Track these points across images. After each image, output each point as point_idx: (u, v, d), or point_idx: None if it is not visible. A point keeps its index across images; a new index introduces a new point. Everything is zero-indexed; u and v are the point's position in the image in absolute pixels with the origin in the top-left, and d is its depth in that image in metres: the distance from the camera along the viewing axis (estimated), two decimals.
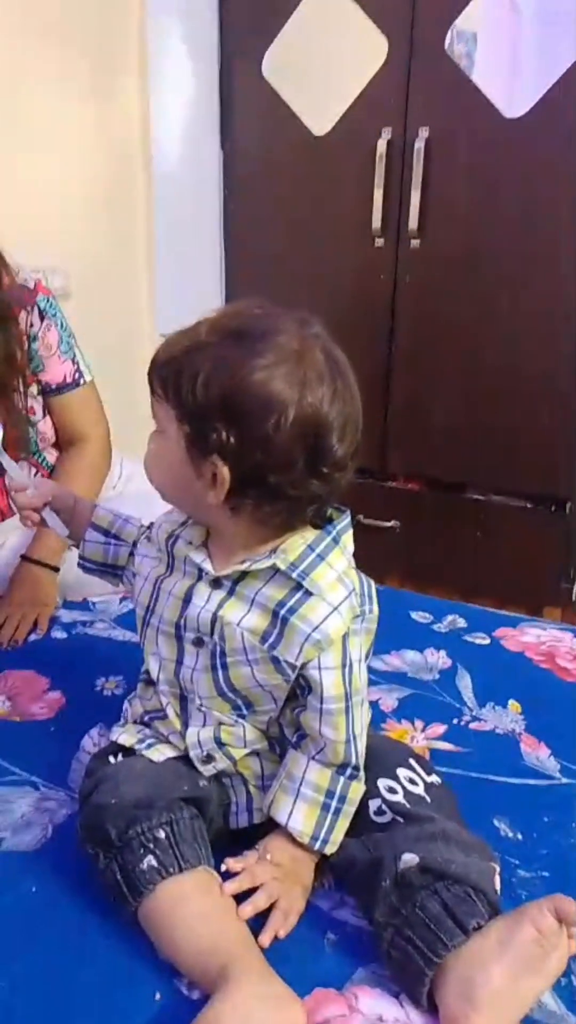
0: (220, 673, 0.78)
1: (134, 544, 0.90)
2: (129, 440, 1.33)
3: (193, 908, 0.71)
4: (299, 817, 0.77)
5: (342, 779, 0.78)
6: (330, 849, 0.77)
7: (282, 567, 0.73)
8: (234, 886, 0.74)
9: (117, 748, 0.84)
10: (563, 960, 0.68)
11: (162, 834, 0.73)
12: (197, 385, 0.69)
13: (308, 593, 0.73)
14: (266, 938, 0.72)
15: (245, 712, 0.80)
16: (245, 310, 0.73)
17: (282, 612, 0.74)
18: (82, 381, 1.34)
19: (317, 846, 0.77)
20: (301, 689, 0.78)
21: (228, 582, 0.77)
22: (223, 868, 0.76)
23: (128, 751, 0.83)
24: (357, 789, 0.79)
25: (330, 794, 0.78)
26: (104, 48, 2.06)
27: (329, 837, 0.77)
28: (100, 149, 2.12)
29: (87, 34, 1.99)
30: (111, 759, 0.83)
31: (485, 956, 0.66)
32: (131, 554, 0.90)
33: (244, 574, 0.76)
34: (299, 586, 0.74)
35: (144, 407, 0.77)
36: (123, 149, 2.19)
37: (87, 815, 0.78)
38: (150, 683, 0.85)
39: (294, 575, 0.73)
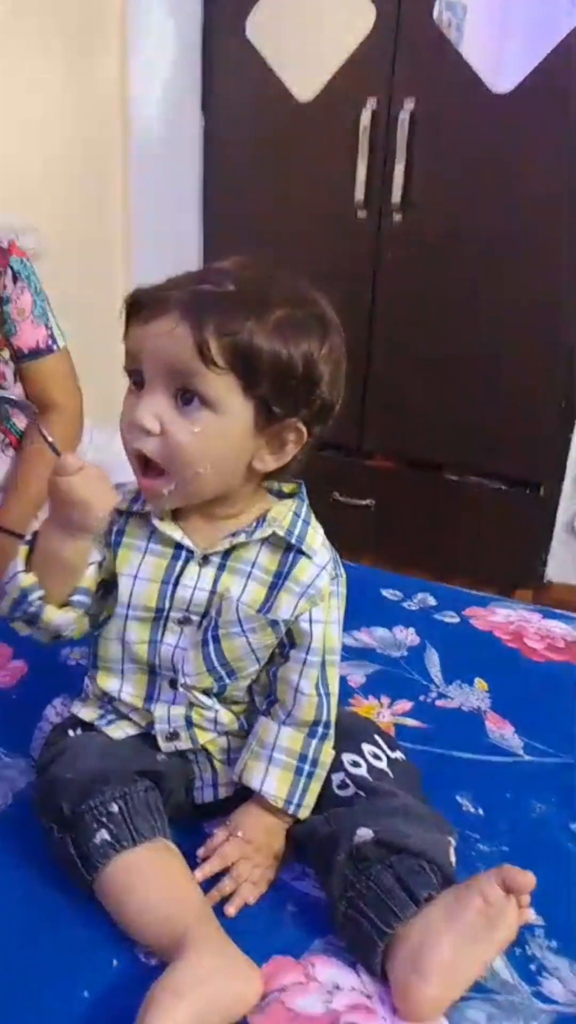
0: (212, 647, 0.77)
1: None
2: (101, 408, 1.31)
3: (147, 880, 0.71)
4: (273, 782, 0.78)
5: (314, 741, 0.79)
6: (303, 813, 0.78)
7: (281, 534, 0.76)
8: (205, 871, 0.75)
9: (77, 721, 0.83)
10: (512, 929, 0.69)
11: (115, 808, 0.73)
12: (280, 353, 0.68)
13: (299, 554, 0.76)
14: (233, 909, 0.74)
15: (227, 682, 0.79)
16: (261, 271, 0.72)
17: (279, 581, 0.76)
18: (55, 347, 1.31)
19: (292, 810, 0.78)
20: (283, 646, 0.79)
21: (217, 557, 0.76)
22: (199, 855, 0.77)
23: (88, 726, 0.82)
24: (328, 752, 0.80)
25: (303, 758, 0.78)
26: (83, 6, 2.00)
27: (303, 801, 0.78)
28: (77, 109, 2.06)
29: None
30: (70, 732, 0.82)
31: (433, 926, 0.66)
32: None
33: (232, 547, 0.75)
34: (288, 550, 0.76)
35: (117, 374, 0.74)
36: (101, 109, 2.14)
37: (41, 789, 0.78)
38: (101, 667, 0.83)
39: (293, 541, 0.76)
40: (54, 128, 2.00)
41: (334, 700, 0.81)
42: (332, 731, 0.80)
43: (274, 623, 0.77)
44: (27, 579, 0.73)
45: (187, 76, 2.14)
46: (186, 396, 0.69)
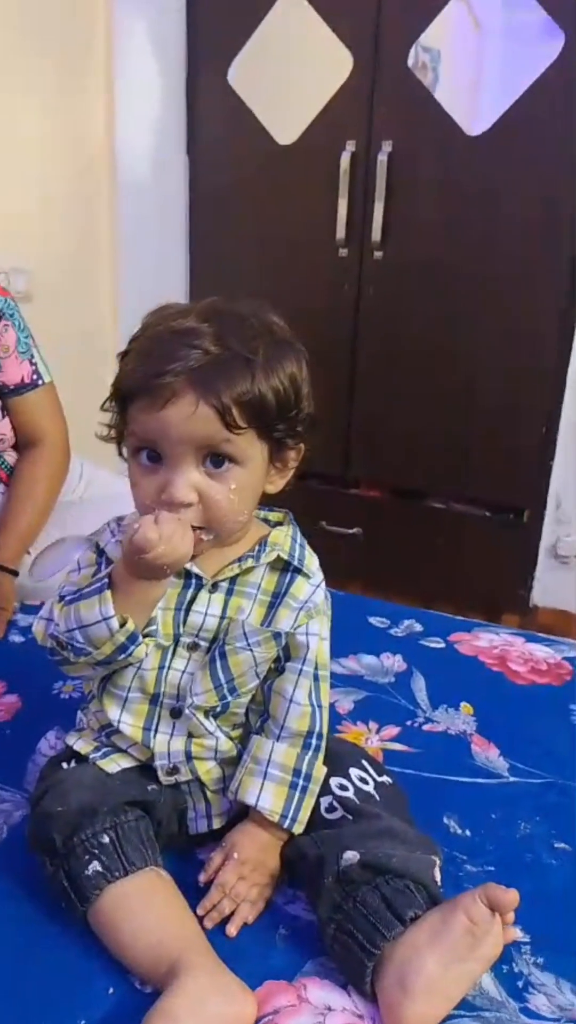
0: (219, 663, 0.80)
1: None
2: (90, 444, 1.34)
3: (140, 910, 0.72)
4: (268, 797, 0.79)
5: (308, 755, 0.81)
6: (298, 828, 0.80)
7: (284, 557, 0.80)
8: (206, 906, 0.77)
9: (72, 754, 0.85)
10: (498, 947, 0.71)
11: (106, 839, 0.74)
12: (279, 390, 0.72)
13: (295, 574, 0.81)
14: (233, 928, 0.75)
15: (230, 699, 0.82)
16: (221, 314, 0.73)
17: (278, 600, 0.80)
18: (40, 382, 1.34)
19: (287, 824, 0.79)
20: (278, 660, 0.82)
21: (225, 583, 0.80)
22: (200, 880, 0.79)
23: (82, 758, 0.84)
24: (320, 768, 0.82)
25: (296, 772, 0.81)
26: (70, 52, 2.07)
27: (297, 816, 0.80)
28: (65, 154, 2.12)
29: (53, 38, 1.99)
30: (63, 765, 0.84)
31: (419, 945, 0.68)
32: None
33: (239, 572, 0.79)
34: (285, 571, 0.81)
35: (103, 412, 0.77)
36: (88, 154, 2.20)
37: (34, 822, 0.79)
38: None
39: (295, 563, 0.81)
40: (43, 172, 2.05)
41: (326, 714, 0.83)
42: (324, 744, 0.83)
43: (277, 635, 0.80)
44: (130, 625, 0.74)
45: (172, 120, 2.21)
46: (216, 460, 0.72)
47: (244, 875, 0.78)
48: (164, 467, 0.72)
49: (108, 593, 0.73)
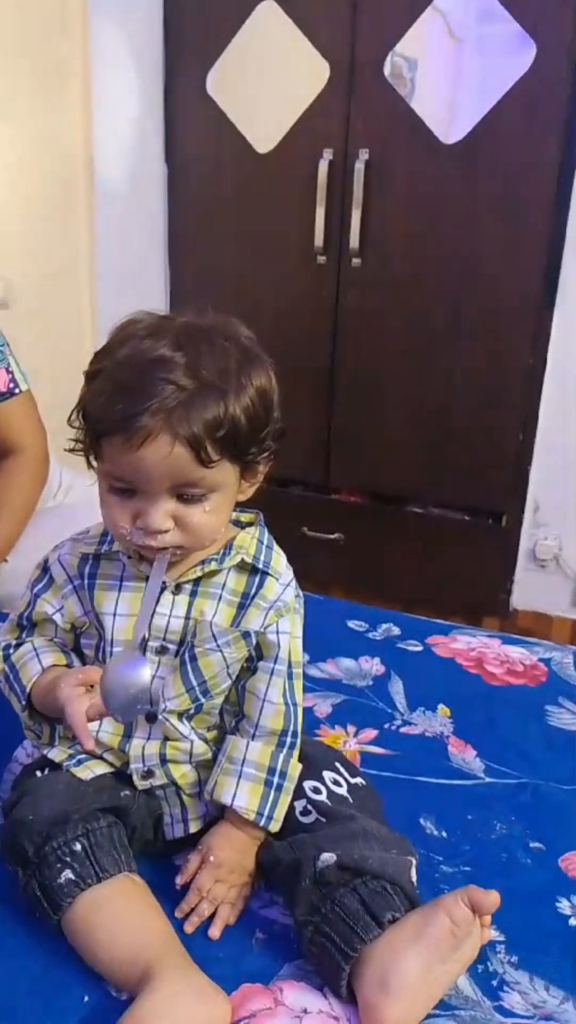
0: (189, 666, 0.81)
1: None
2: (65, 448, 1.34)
3: (112, 916, 0.72)
4: (244, 795, 0.80)
5: (282, 753, 0.82)
6: (274, 827, 0.80)
7: (249, 561, 0.81)
8: (184, 909, 0.77)
9: (46, 762, 0.85)
10: (476, 948, 0.72)
11: (78, 847, 0.74)
12: (249, 408, 0.72)
13: (264, 575, 0.81)
14: (216, 930, 0.76)
15: (203, 701, 0.82)
16: (187, 330, 0.73)
17: (248, 601, 0.81)
18: (17, 390, 1.33)
19: (263, 823, 0.80)
20: (250, 660, 0.83)
21: (189, 585, 0.80)
22: (177, 883, 0.79)
23: (56, 766, 0.83)
24: (295, 765, 0.83)
25: (271, 771, 0.81)
26: (48, 61, 2.08)
27: (273, 813, 0.80)
28: (43, 162, 2.12)
29: (30, 47, 2.00)
30: (37, 773, 0.84)
31: (400, 946, 0.68)
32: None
33: (203, 574, 0.80)
34: (254, 573, 0.81)
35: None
36: (65, 162, 2.20)
37: (6, 831, 0.79)
38: None
39: (260, 566, 0.81)
40: (20, 181, 2.05)
41: (300, 711, 0.84)
42: (299, 742, 0.84)
43: (246, 635, 0.81)
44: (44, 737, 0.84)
45: (150, 129, 2.22)
46: (193, 493, 0.72)
47: (221, 878, 0.78)
48: (138, 497, 0.72)
49: (26, 714, 0.83)
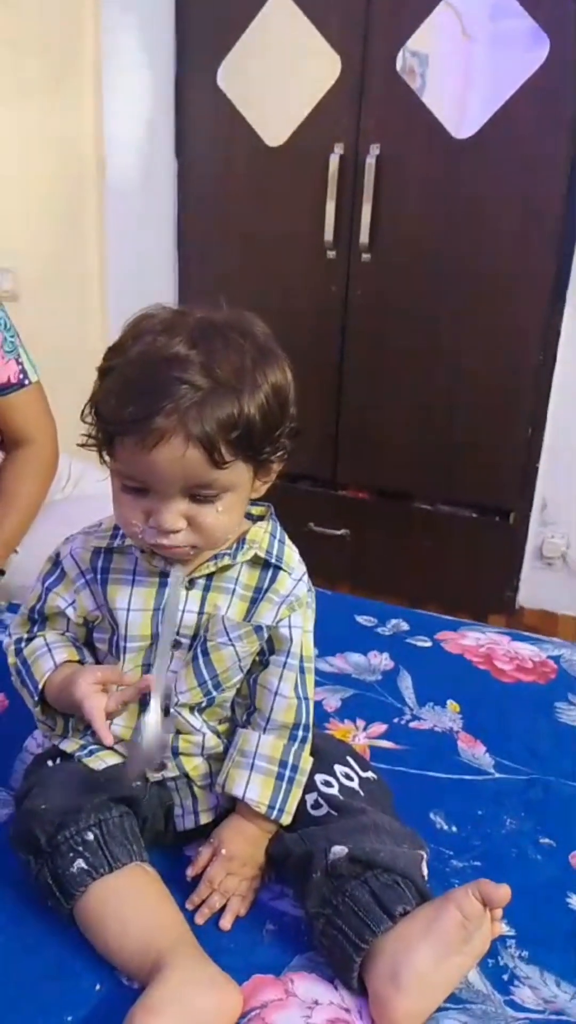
0: (202, 660, 0.81)
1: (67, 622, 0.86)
2: (77, 442, 1.34)
3: (125, 906, 0.72)
4: (255, 788, 0.80)
5: (294, 746, 0.82)
6: (285, 819, 0.80)
7: (261, 555, 0.81)
8: (194, 900, 0.77)
9: (58, 752, 0.85)
10: (487, 941, 0.72)
11: (91, 836, 0.74)
12: (264, 406, 0.71)
13: (277, 570, 0.81)
14: (227, 922, 0.76)
15: (215, 694, 0.82)
16: (212, 326, 0.72)
17: (260, 595, 0.81)
18: (27, 382, 1.33)
19: (274, 815, 0.80)
20: (262, 653, 0.83)
21: (202, 580, 0.80)
22: (188, 875, 0.79)
23: (67, 756, 0.84)
24: (307, 759, 0.82)
25: (283, 764, 0.81)
26: (59, 52, 2.07)
27: (285, 806, 0.80)
28: (53, 154, 2.12)
29: (41, 38, 1.99)
30: (48, 763, 0.84)
31: (411, 940, 0.68)
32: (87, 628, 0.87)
33: (214, 569, 0.79)
34: (266, 567, 0.81)
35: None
36: (76, 156, 2.20)
37: (18, 821, 0.79)
38: None
39: (272, 561, 0.81)
40: (30, 172, 2.05)
41: (312, 705, 0.84)
42: (310, 735, 0.83)
43: (258, 628, 0.81)
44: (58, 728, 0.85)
45: (161, 121, 2.22)
46: (206, 494, 0.72)
47: (233, 870, 0.78)
48: (151, 496, 0.72)
49: (38, 709, 0.83)
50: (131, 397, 0.68)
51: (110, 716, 0.75)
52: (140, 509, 0.73)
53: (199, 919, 0.76)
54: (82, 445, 0.76)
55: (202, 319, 0.73)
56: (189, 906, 0.77)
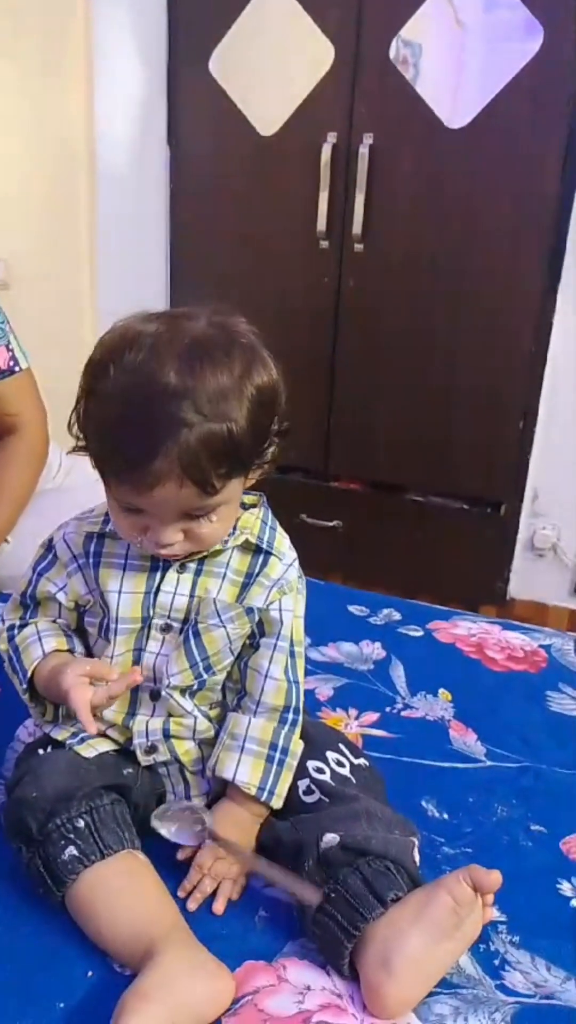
0: (193, 642, 0.81)
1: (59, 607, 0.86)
2: (67, 432, 1.33)
3: (116, 892, 0.72)
4: (245, 770, 0.80)
5: (284, 728, 0.82)
6: (276, 803, 0.80)
7: (253, 541, 0.81)
8: (186, 887, 0.77)
9: (49, 740, 0.85)
10: (478, 926, 0.72)
11: (82, 823, 0.74)
12: (253, 417, 0.71)
13: (268, 555, 0.82)
14: (220, 906, 0.76)
15: (205, 677, 0.82)
16: (196, 342, 0.70)
17: (251, 580, 0.82)
18: (17, 368, 1.32)
19: (264, 797, 0.80)
20: (253, 636, 0.83)
21: (194, 564, 0.80)
22: (179, 858, 0.79)
23: (59, 744, 0.84)
24: (297, 742, 0.83)
25: (273, 746, 0.81)
26: (49, 40, 2.06)
27: (275, 789, 0.80)
28: (44, 143, 2.11)
29: (32, 26, 1.98)
30: (40, 751, 0.84)
31: (402, 925, 0.68)
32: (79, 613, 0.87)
33: (206, 554, 0.80)
34: (257, 553, 0.82)
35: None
36: (67, 143, 2.18)
37: (9, 809, 0.79)
38: None
39: (264, 546, 0.82)
40: (21, 161, 2.03)
41: (302, 689, 0.84)
42: (300, 719, 0.84)
43: (249, 611, 0.81)
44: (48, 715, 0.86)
45: (152, 109, 2.20)
46: (200, 514, 0.73)
47: (222, 855, 0.78)
48: (147, 516, 0.73)
49: (27, 696, 0.84)
50: (121, 443, 0.69)
51: (96, 709, 0.76)
52: (138, 527, 0.74)
53: (191, 905, 0.76)
54: (73, 452, 0.77)
55: (188, 340, 0.70)
56: (181, 893, 0.77)
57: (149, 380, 0.68)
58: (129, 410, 0.68)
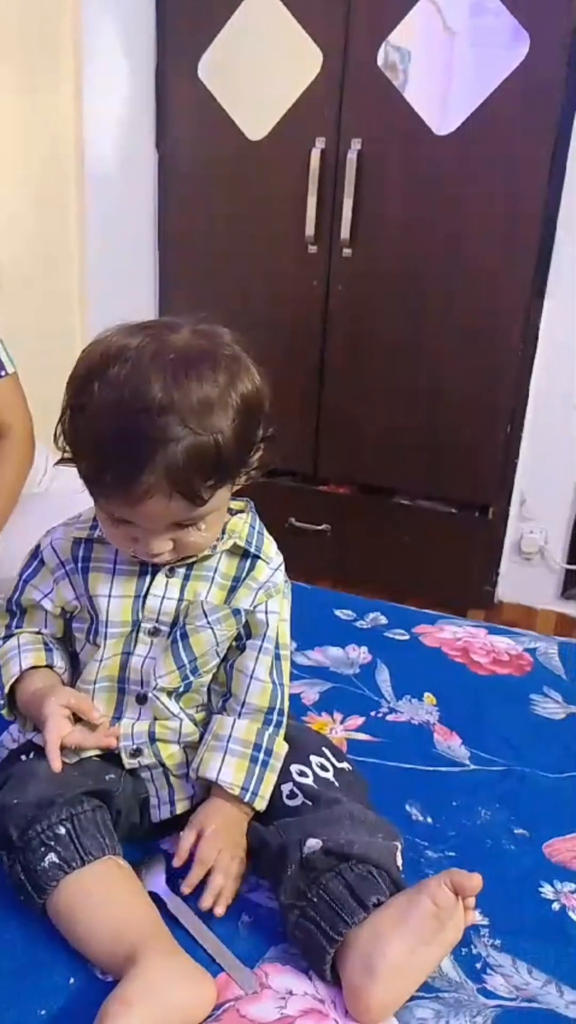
0: (180, 644, 0.81)
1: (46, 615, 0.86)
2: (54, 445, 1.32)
3: (97, 900, 0.72)
4: (229, 771, 0.80)
5: (268, 730, 0.82)
6: (259, 804, 0.80)
7: (241, 545, 0.82)
8: (191, 881, 0.76)
9: (32, 746, 0.84)
10: (459, 930, 0.72)
11: (63, 830, 0.74)
12: (238, 429, 0.71)
13: (255, 559, 0.83)
14: (221, 909, 0.76)
15: (192, 679, 0.83)
16: (180, 356, 0.70)
17: (239, 584, 0.82)
18: (3, 373, 1.32)
19: (247, 798, 0.80)
20: (239, 639, 0.84)
21: (183, 568, 0.81)
22: (175, 865, 0.79)
23: (41, 751, 0.82)
24: (281, 744, 0.83)
25: (256, 747, 0.81)
26: (37, 44, 2.05)
27: (258, 790, 0.80)
28: (32, 147, 2.10)
29: (20, 30, 1.97)
30: (22, 757, 0.83)
31: (384, 929, 0.69)
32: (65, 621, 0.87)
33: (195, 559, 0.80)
34: (245, 557, 0.83)
35: None
36: (56, 147, 2.18)
37: None
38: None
39: (251, 550, 0.83)
40: (9, 165, 2.03)
41: (287, 692, 0.85)
42: (285, 721, 0.84)
43: (236, 612, 0.82)
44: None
45: (141, 114, 2.20)
46: (189, 524, 0.74)
47: (222, 845, 0.78)
48: (136, 527, 0.73)
49: (5, 711, 0.84)
50: (108, 459, 0.69)
51: (65, 748, 0.76)
52: (127, 537, 0.75)
53: (204, 903, 0.75)
54: (60, 463, 0.77)
55: (170, 353, 0.70)
56: (186, 890, 0.76)
57: (134, 395, 0.68)
58: (115, 426, 0.68)
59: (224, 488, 0.75)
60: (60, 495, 1.40)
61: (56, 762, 0.75)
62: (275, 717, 0.83)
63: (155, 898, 0.76)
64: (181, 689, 0.83)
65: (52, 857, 0.73)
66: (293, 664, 0.90)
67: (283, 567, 0.86)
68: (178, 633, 0.81)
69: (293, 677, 0.93)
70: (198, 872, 0.77)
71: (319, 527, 2.31)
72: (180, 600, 0.81)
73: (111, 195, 2.27)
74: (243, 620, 0.83)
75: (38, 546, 0.86)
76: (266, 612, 0.84)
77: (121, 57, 2.18)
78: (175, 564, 0.80)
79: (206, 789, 0.83)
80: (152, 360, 0.69)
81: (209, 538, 0.77)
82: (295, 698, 1.06)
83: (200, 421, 0.68)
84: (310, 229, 2.10)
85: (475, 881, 0.71)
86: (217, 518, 0.77)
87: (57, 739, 0.75)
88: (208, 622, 0.81)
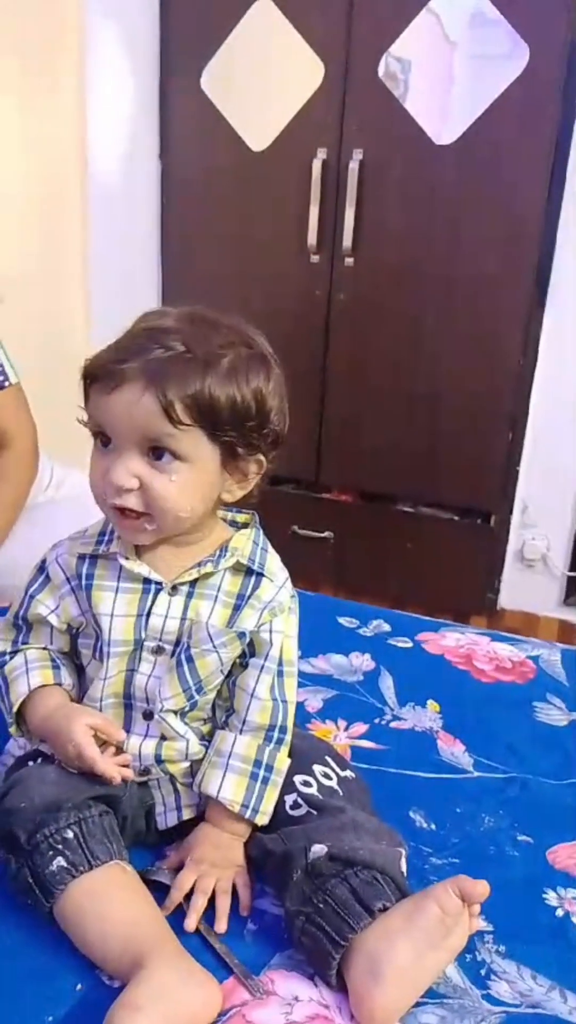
0: (186, 667, 0.81)
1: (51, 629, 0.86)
2: (59, 446, 1.33)
3: (104, 903, 0.72)
4: (229, 787, 0.80)
5: (269, 747, 0.82)
6: (260, 819, 0.80)
7: (244, 562, 0.81)
8: (168, 907, 0.77)
9: (39, 753, 0.85)
10: (465, 937, 0.73)
11: (70, 834, 0.75)
12: (236, 398, 0.73)
13: (260, 577, 0.82)
14: (222, 924, 0.76)
15: (197, 698, 0.83)
16: (201, 320, 0.76)
17: (243, 602, 0.81)
18: (7, 383, 1.33)
19: (248, 815, 0.80)
20: (243, 656, 0.83)
21: (185, 587, 0.80)
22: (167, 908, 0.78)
23: (48, 757, 0.84)
24: (283, 760, 0.83)
25: (257, 763, 0.81)
26: (41, 55, 2.07)
27: (259, 806, 0.80)
28: (36, 157, 2.12)
29: (24, 40, 1.99)
30: (30, 763, 0.84)
31: (390, 935, 0.69)
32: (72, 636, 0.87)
33: (198, 576, 0.80)
34: (249, 574, 0.82)
35: (74, 413, 0.78)
36: (59, 158, 2.20)
37: None
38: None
39: (255, 568, 0.82)
40: (13, 174, 2.05)
41: (291, 708, 0.84)
42: (288, 738, 0.84)
43: (241, 634, 0.82)
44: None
45: (144, 124, 2.22)
46: (157, 452, 0.74)
47: (204, 872, 0.79)
48: (111, 451, 0.75)
49: (13, 728, 0.85)
50: (111, 351, 0.74)
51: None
52: (101, 468, 0.76)
53: (189, 925, 0.75)
54: (80, 421, 0.78)
55: (202, 310, 0.78)
56: (164, 912, 0.76)
57: (154, 321, 0.76)
58: (127, 336, 0.75)
59: (205, 439, 0.74)
60: (65, 504, 1.41)
61: (116, 777, 0.77)
62: (276, 734, 0.83)
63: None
64: (187, 708, 0.83)
65: (60, 861, 0.73)
66: (297, 672, 0.90)
67: (289, 583, 0.84)
68: (183, 656, 0.81)
69: (297, 685, 0.93)
70: (174, 897, 0.78)
71: (322, 534, 2.32)
72: (183, 619, 0.81)
73: (114, 206, 2.29)
74: (248, 640, 0.82)
75: (44, 560, 0.86)
76: (270, 632, 0.82)
77: (125, 69, 2.20)
78: (177, 582, 0.80)
79: (207, 798, 0.83)
80: (189, 314, 0.77)
81: (177, 499, 0.74)
82: (299, 706, 1.06)
83: (198, 346, 0.73)
84: (312, 238, 2.12)
85: (482, 887, 0.71)
86: (191, 479, 0.74)
87: (102, 762, 0.77)
88: (213, 646, 0.81)
